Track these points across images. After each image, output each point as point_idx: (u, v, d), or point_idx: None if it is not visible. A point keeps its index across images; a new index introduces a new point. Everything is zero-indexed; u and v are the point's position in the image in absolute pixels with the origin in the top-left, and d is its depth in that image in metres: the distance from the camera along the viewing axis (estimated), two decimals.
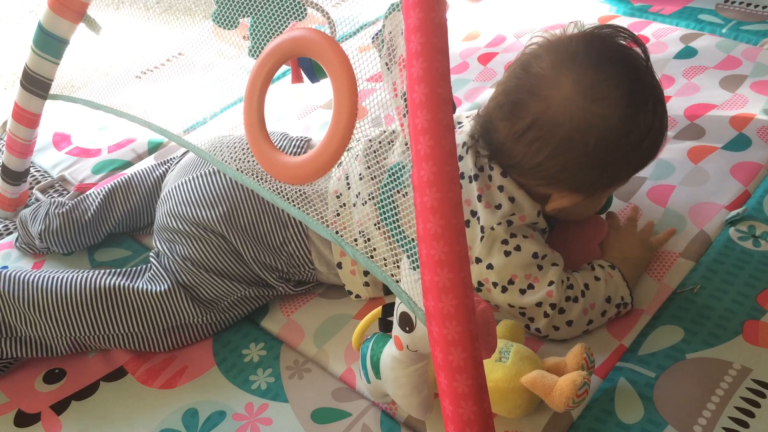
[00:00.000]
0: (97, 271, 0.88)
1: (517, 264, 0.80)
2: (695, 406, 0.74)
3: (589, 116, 0.74)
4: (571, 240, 0.91)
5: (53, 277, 0.86)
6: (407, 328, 0.66)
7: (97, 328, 0.84)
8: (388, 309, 0.72)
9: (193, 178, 0.90)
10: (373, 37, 0.62)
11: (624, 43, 0.79)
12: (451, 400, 0.49)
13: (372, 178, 0.82)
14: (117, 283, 0.86)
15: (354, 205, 0.83)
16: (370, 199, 0.81)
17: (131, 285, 0.85)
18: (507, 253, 0.80)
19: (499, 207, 0.80)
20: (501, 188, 0.81)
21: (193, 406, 0.81)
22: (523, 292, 0.80)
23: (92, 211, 1.00)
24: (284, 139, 0.96)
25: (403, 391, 0.71)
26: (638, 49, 0.78)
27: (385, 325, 0.72)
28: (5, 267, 0.92)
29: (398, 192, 0.57)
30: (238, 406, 0.81)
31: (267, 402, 0.81)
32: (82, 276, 0.87)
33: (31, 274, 0.87)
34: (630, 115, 0.75)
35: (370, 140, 0.85)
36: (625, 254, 0.87)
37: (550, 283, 0.79)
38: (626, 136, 0.76)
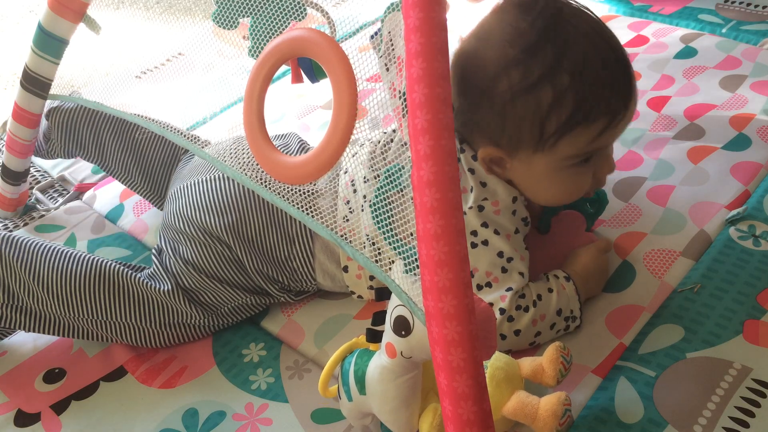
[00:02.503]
0: (101, 257, 0.87)
1: (481, 258, 0.79)
2: (695, 406, 0.74)
3: (464, 50, 0.77)
4: (550, 240, 0.92)
5: (58, 250, 0.85)
6: (403, 332, 0.64)
7: (94, 312, 0.83)
8: (378, 318, 0.69)
9: (205, 181, 0.89)
10: (371, 37, 0.62)
11: (570, 4, 0.76)
12: (450, 400, 0.49)
13: (376, 178, 0.81)
14: (121, 270, 0.85)
15: (362, 209, 0.82)
16: None
17: (135, 275, 0.85)
18: (473, 245, 0.79)
19: (471, 191, 0.80)
20: (472, 171, 0.81)
21: (193, 406, 0.81)
22: (479, 287, 0.79)
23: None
24: (302, 149, 0.94)
25: (391, 405, 0.68)
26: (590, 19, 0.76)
27: (373, 336, 0.69)
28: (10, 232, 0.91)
29: (394, 194, 0.57)
30: (238, 406, 0.81)
31: (267, 402, 0.81)
32: (87, 256, 0.86)
33: (36, 242, 0.85)
34: (511, 58, 0.73)
35: (373, 143, 0.85)
36: (585, 270, 0.86)
37: (508, 289, 0.79)
38: (502, 78, 0.74)
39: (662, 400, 0.75)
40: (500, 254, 0.79)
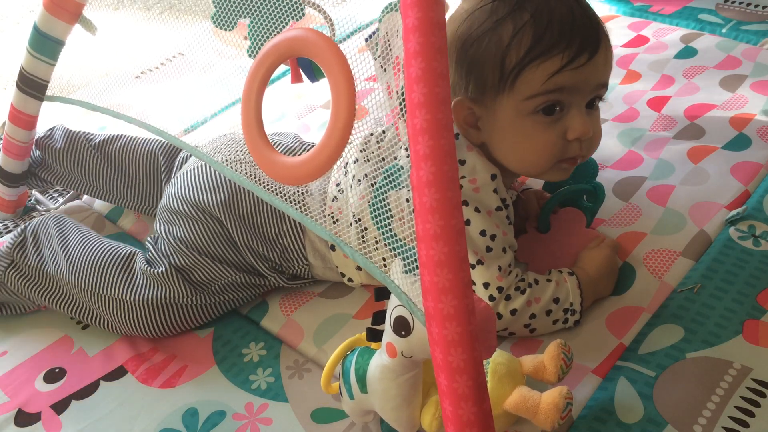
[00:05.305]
0: (124, 245, 0.94)
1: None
2: (695, 406, 0.74)
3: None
4: (551, 239, 0.92)
5: (91, 233, 0.95)
6: (403, 333, 0.64)
7: (99, 285, 0.88)
8: (378, 317, 0.69)
9: (200, 166, 0.92)
10: (366, 39, 0.62)
11: None
12: (451, 401, 0.49)
13: (366, 160, 0.82)
14: (132, 252, 0.91)
15: (350, 188, 0.83)
16: (363, 177, 0.82)
17: (141, 257, 0.91)
18: None
19: None
20: None
21: (193, 406, 0.81)
22: (472, 267, 0.79)
23: (98, 139, 1.07)
24: (296, 141, 0.96)
25: (393, 403, 0.68)
26: None
27: (373, 335, 0.70)
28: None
29: (393, 194, 0.57)
30: (238, 406, 0.81)
31: (267, 402, 0.81)
32: (111, 241, 0.94)
33: (78, 225, 0.96)
34: (481, 5, 0.78)
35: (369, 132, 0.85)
36: (591, 268, 0.86)
37: (499, 268, 0.79)
38: (469, 22, 0.78)
39: (662, 399, 0.75)
40: (482, 233, 0.79)
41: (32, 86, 0.99)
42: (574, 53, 0.75)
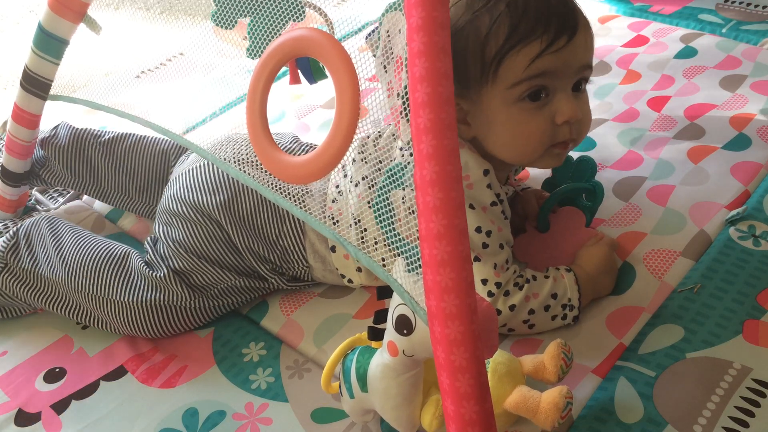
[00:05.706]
0: (119, 244, 0.93)
1: None
2: (695, 406, 0.74)
3: None
4: (551, 239, 0.92)
5: (84, 233, 0.94)
6: (405, 331, 0.64)
7: (95, 288, 0.87)
8: (380, 316, 0.69)
9: (200, 167, 0.92)
10: (366, 37, 0.62)
11: None
12: (453, 400, 0.49)
13: (364, 162, 0.82)
14: (129, 252, 0.90)
15: (349, 191, 0.83)
16: (362, 179, 0.82)
17: (138, 257, 0.90)
18: None
19: None
20: None
21: (192, 406, 0.81)
22: None
23: (106, 137, 1.05)
24: (294, 143, 0.96)
25: (393, 402, 0.69)
26: None
27: (375, 333, 0.70)
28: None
29: (395, 193, 0.57)
30: (238, 406, 0.81)
31: (267, 402, 0.81)
32: (107, 241, 0.93)
33: (70, 225, 0.95)
34: (459, 1, 0.78)
35: (366, 133, 0.85)
36: (589, 265, 0.86)
37: (495, 265, 0.79)
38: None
39: (662, 400, 0.75)
40: (478, 229, 0.79)
41: (36, 85, 0.99)
42: (552, 37, 0.75)
